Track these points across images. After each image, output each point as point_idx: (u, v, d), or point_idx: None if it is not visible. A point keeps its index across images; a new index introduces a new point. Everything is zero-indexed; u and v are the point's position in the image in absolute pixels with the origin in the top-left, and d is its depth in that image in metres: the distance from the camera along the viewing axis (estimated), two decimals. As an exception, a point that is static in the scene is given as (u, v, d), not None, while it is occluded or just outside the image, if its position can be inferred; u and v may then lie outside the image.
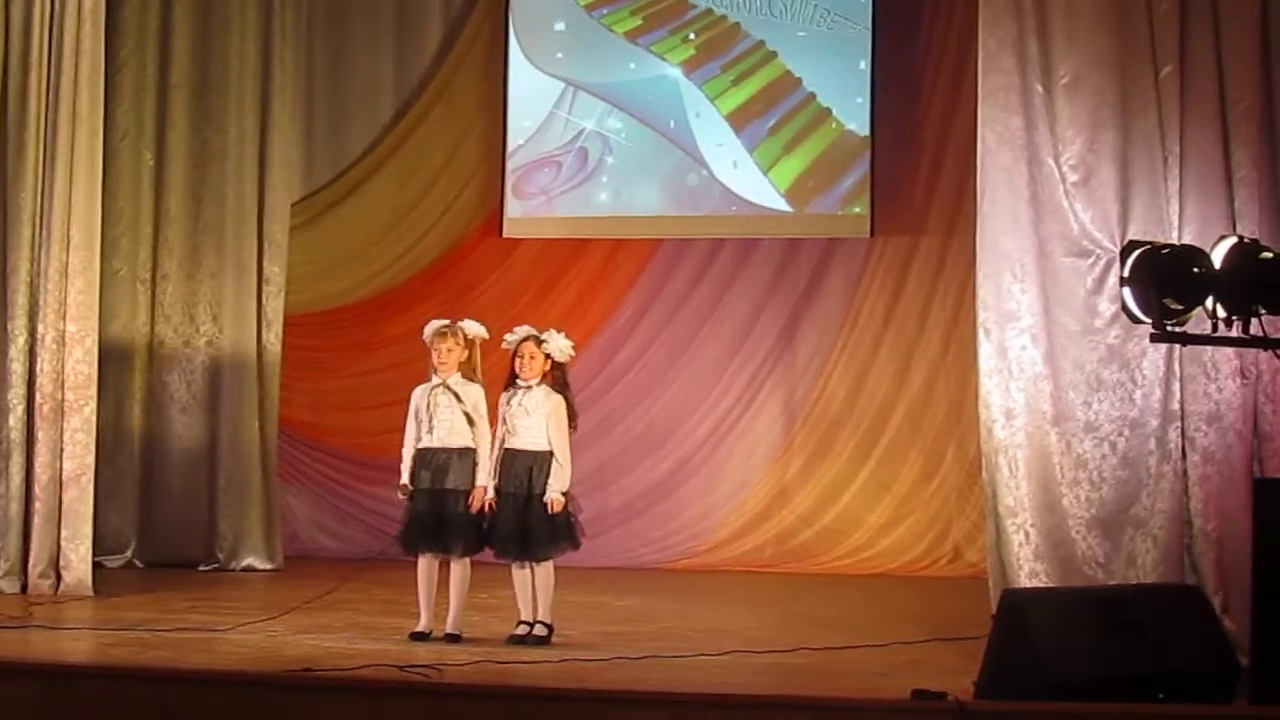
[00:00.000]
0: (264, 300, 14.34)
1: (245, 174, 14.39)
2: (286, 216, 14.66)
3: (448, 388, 10.14)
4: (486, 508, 10.06)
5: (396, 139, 16.04)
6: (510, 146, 15.87)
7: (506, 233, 15.90)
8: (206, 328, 14.25)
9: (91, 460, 12.03)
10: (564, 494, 10.01)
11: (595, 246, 15.84)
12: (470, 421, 10.11)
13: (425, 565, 10.15)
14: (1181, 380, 9.89)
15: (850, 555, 14.94)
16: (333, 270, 15.86)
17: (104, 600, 11.70)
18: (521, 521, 10.00)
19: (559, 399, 10.06)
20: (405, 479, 10.22)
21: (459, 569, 10.14)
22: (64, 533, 11.87)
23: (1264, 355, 9.54)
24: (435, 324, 10.28)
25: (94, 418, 12.07)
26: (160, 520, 14.18)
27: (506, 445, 10.06)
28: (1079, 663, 7.58)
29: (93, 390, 12.06)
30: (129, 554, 14.01)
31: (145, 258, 14.20)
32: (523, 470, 10.00)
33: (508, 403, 10.06)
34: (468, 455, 10.09)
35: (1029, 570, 10.10)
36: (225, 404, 14.24)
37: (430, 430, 10.14)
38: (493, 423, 10.16)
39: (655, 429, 15.52)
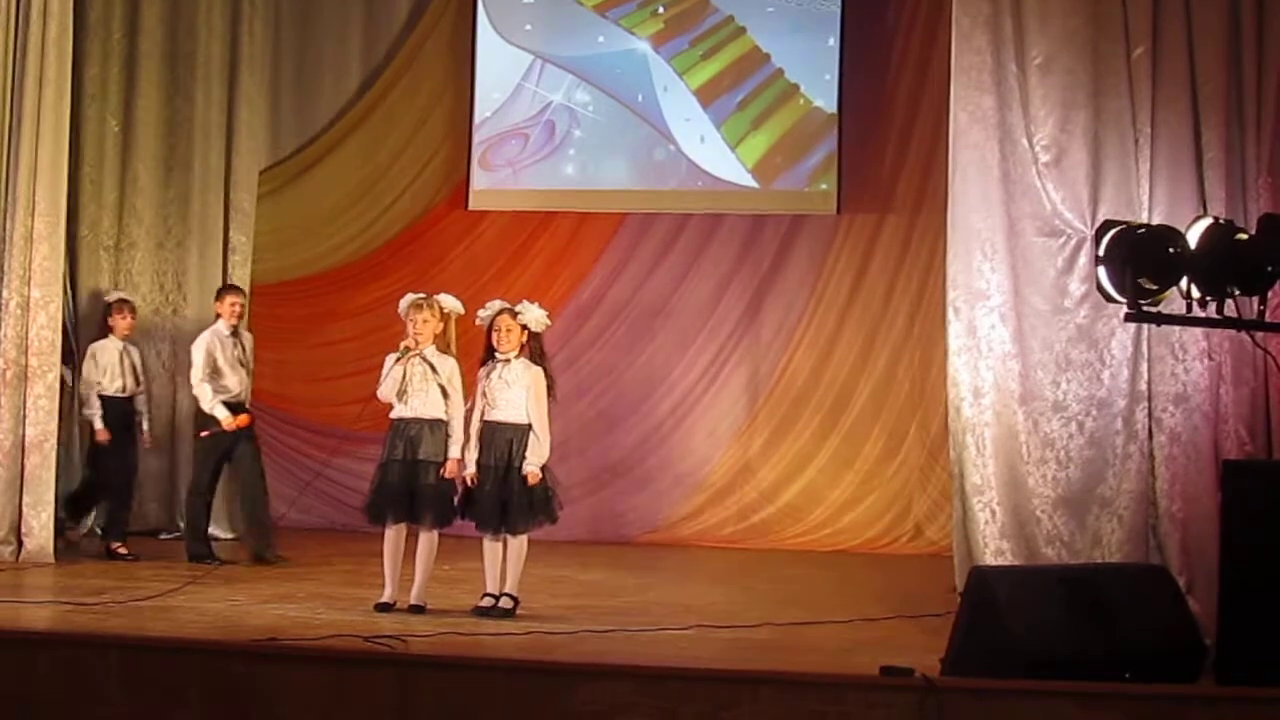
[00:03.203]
0: (230, 269, 14.26)
1: (212, 142, 14.31)
2: (254, 185, 14.62)
3: (424, 359, 10.12)
4: (469, 481, 10.05)
5: (363, 109, 15.97)
6: (477, 118, 15.81)
7: (473, 205, 15.84)
8: (173, 296, 14.16)
9: (54, 426, 11.99)
10: (542, 467, 10.02)
11: (561, 219, 15.78)
12: (445, 394, 10.10)
13: (393, 536, 10.15)
14: (1149, 361, 9.93)
15: (812, 532, 14.93)
16: (298, 240, 15.79)
17: (65, 567, 11.72)
18: (501, 494, 9.99)
19: (538, 371, 10.06)
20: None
21: (426, 541, 10.14)
22: (26, 499, 11.84)
23: (1229, 337, 9.56)
24: (411, 296, 10.28)
25: (57, 384, 12.03)
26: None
27: (486, 418, 10.04)
28: (1046, 641, 7.60)
29: (56, 356, 12.03)
30: (90, 521, 13.90)
31: (110, 225, 14.06)
32: (503, 443, 9.99)
33: (487, 376, 10.06)
34: (440, 427, 10.09)
35: (994, 548, 10.13)
36: (189, 372, 14.10)
37: (404, 401, 10.14)
38: (468, 396, 10.15)
39: (620, 403, 15.49)
